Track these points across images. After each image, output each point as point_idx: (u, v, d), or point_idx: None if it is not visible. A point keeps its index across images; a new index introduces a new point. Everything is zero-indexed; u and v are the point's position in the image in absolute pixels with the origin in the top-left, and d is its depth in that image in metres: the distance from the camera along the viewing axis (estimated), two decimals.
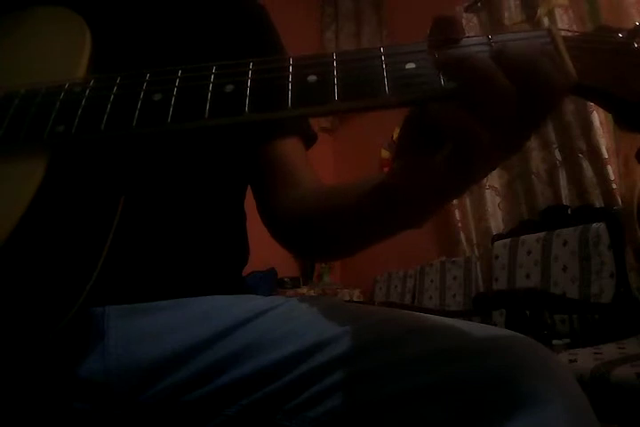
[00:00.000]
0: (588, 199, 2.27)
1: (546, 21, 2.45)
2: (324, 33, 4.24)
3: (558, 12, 2.41)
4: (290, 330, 0.45)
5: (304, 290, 3.58)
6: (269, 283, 3.55)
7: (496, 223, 2.74)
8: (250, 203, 0.67)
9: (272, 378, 0.42)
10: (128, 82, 0.40)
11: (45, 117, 0.40)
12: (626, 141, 1.98)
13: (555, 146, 2.44)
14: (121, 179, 0.49)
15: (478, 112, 0.31)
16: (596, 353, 1.48)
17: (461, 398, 0.36)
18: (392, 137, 3.37)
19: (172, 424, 0.44)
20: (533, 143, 2.49)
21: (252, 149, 0.64)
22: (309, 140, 0.68)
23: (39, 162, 0.39)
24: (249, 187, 0.67)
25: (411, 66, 0.34)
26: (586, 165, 2.30)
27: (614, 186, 2.18)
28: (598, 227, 2.06)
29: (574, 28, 2.34)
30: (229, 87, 0.37)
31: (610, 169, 2.19)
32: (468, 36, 0.35)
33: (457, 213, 2.93)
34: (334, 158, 4.12)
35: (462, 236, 2.92)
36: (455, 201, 2.82)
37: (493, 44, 0.35)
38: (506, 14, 2.67)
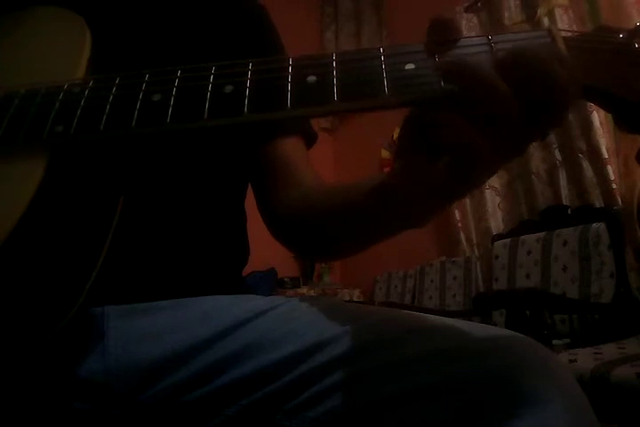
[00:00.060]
0: (588, 199, 2.27)
1: (546, 21, 2.45)
2: (324, 33, 4.25)
3: (558, 12, 2.41)
4: (290, 330, 0.45)
5: (304, 290, 3.58)
6: (269, 283, 3.55)
7: (496, 223, 2.74)
8: (250, 203, 0.67)
9: (272, 378, 0.42)
10: (127, 82, 0.40)
11: (45, 118, 0.40)
12: (626, 141, 1.99)
13: (555, 146, 2.44)
14: (120, 179, 0.49)
15: (479, 122, 0.31)
16: (596, 353, 1.48)
17: (461, 398, 0.36)
18: (392, 137, 3.37)
19: (171, 424, 0.44)
20: (533, 143, 2.49)
21: (252, 149, 0.64)
22: (310, 139, 0.68)
23: (38, 162, 0.39)
24: (249, 187, 0.67)
25: (410, 66, 0.34)
26: (586, 165, 2.30)
27: (614, 186, 2.18)
28: (598, 227, 2.06)
29: (574, 28, 2.34)
30: (229, 88, 0.37)
31: (610, 169, 2.19)
32: (468, 36, 0.35)
33: (457, 213, 2.93)
34: (334, 158, 4.12)
35: (462, 236, 2.92)
36: None
37: (493, 44, 0.35)
38: (506, 14, 2.67)
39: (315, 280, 3.84)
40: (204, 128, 0.37)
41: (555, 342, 1.71)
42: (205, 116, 0.36)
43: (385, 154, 3.59)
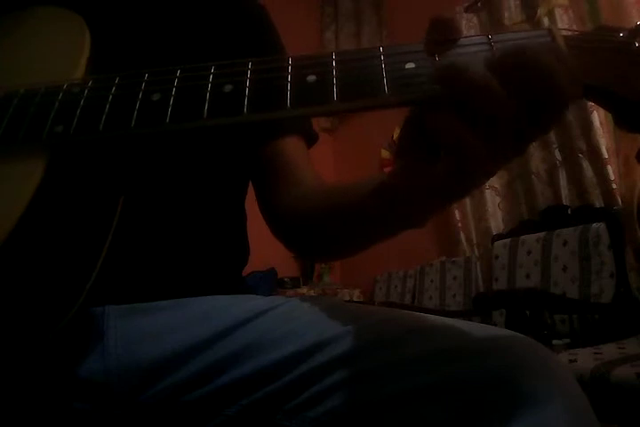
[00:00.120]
0: (588, 199, 2.27)
1: (546, 21, 2.45)
2: (324, 33, 4.24)
3: (558, 12, 2.41)
4: (290, 330, 0.45)
5: (304, 290, 3.58)
6: (269, 283, 3.55)
7: (496, 223, 2.74)
8: (250, 202, 0.67)
9: (272, 378, 0.42)
10: (126, 82, 0.40)
11: (44, 118, 0.40)
12: (626, 141, 1.98)
13: (555, 146, 2.44)
14: (120, 179, 0.49)
15: (478, 123, 0.31)
16: (596, 353, 1.48)
17: (461, 398, 0.36)
18: (392, 137, 3.37)
19: (172, 424, 0.44)
20: (533, 143, 2.49)
21: (252, 149, 0.64)
22: (311, 139, 0.68)
23: (38, 162, 0.39)
24: (250, 186, 0.67)
25: (410, 66, 0.34)
26: (586, 165, 2.30)
27: (614, 186, 2.18)
28: (598, 227, 2.06)
29: (574, 28, 2.34)
30: (228, 87, 0.37)
31: (610, 169, 2.19)
32: (468, 36, 0.35)
33: (457, 213, 2.93)
34: (334, 158, 4.12)
35: (462, 236, 2.92)
36: None
37: (493, 43, 0.34)
38: (506, 14, 2.67)
39: (315, 280, 3.84)
40: (203, 128, 0.37)
41: (555, 342, 1.71)
42: (205, 115, 0.36)
43: (385, 154, 3.59)
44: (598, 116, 2.24)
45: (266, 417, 0.42)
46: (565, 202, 2.39)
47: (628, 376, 1.24)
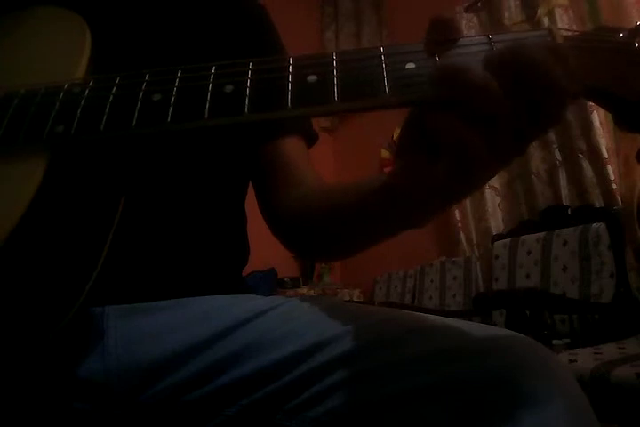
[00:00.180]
0: (588, 199, 2.27)
1: (546, 21, 2.45)
2: (324, 33, 4.24)
3: (558, 12, 2.41)
4: (290, 330, 0.45)
5: (304, 290, 3.58)
6: (269, 283, 3.55)
7: (496, 223, 2.74)
8: (250, 203, 0.67)
9: (272, 378, 0.42)
10: (127, 82, 0.40)
11: (45, 118, 0.40)
12: (626, 141, 1.98)
13: (555, 146, 2.44)
14: (121, 179, 0.49)
15: (478, 122, 0.31)
16: (596, 353, 1.48)
17: (461, 398, 0.36)
18: (392, 137, 3.37)
19: (171, 424, 0.44)
20: (533, 143, 2.49)
21: (253, 149, 0.64)
22: (311, 139, 0.68)
23: (39, 162, 0.39)
24: (250, 186, 0.68)
25: (411, 66, 0.34)
26: (586, 165, 2.30)
27: (614, 186, 2.18)
28: (598, 227, 2.06)
29: (574, 28, 2.34)
30: (229, 87, 0.37)
31: (610, 169, 2.19)
32: (469, 36, 0.35)
33: (457, 213, 2.93)
34: (334, 158, 4.12)
35: (462, 236, 2.93)
36: None
37: (494, 43, 0.34)
38: (506, 14, 2.67)
39: (315, 280, 3.84)
40: (204, 128, 0.37)
41: (555, 342, 1.71)
42: (206, 115, 0.36)
43: (385, 154, 3.59)
44: (598, 116, 2.24)
45: (266, 417, 0.42)
46: (565, 202, 2.39)
47: (627, 376, 1.24)
